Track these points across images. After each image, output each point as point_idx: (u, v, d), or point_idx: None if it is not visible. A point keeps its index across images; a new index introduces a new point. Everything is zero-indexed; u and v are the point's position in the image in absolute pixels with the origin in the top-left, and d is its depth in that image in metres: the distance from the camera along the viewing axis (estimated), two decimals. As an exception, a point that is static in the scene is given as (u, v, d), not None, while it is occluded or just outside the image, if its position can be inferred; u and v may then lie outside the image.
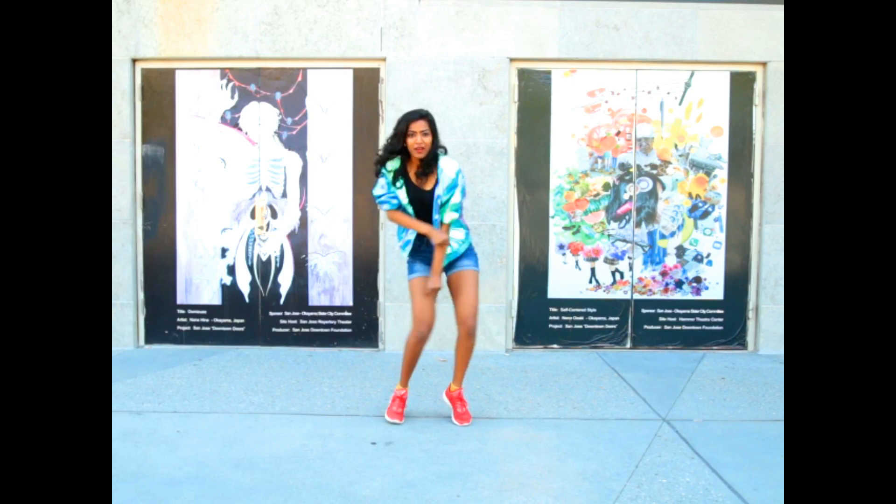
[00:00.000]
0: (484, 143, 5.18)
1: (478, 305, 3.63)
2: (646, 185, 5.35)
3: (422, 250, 3.62)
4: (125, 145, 5.21)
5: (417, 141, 3.44)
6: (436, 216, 3.57)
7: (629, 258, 5.38)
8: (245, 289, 5.35)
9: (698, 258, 5.39)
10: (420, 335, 3.55)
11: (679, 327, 5.41)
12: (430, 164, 3.51)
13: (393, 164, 3.56)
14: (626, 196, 5.35)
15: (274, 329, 5.37)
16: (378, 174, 3.61)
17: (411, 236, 3.63)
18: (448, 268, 3.65)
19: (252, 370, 4.69)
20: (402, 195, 3.57)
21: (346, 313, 5.36)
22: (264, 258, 5.35)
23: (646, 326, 5.41)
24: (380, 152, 3.64)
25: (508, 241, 5.28)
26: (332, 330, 5.36)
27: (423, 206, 3.56)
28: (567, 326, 5.38)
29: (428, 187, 3.54)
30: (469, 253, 3.68)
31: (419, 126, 3.45)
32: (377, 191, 3.62)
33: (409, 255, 3.66)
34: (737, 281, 5.39)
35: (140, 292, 5.36)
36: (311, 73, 5.27)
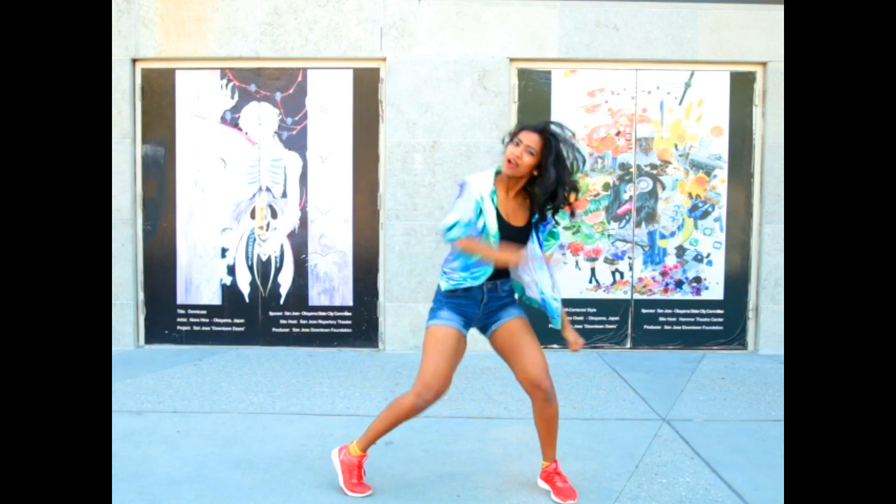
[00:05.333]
0: (484, 143, 5.17)
1: (544, 360, 2.74)
2: (646, 185, 5.35)
3: (458, 294, 2.73)
4: (125, 145, 5.21)
5: (514, 152, 2.58)
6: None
7: (629, 258, 5.38)
8: (245, 289, 5.35)
9: (698, 258, 5.38)
10: (423, 404, 2.67)
11: (679, 327, 5.41)
12: (533, 194, 2.65)
13: (487, 185, 2.65)
14: (626, 196, 5.35)
15: (274, 329, 5.37)
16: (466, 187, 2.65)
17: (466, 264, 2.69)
18: (486, 324, 2.80)
19: (252, 370, 4.69)
20: (491, 223, 2.62)
21: (346, 313, 5.36)
22: (264, 258, 5.35)
23: (646, 326, 5.41)
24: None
25: (508, 241, 5.28)
26: (332, 330, 5.36)
27: (507, 240, 2.65)
28: (567, 326, 5.38)
29: (516, 223, 2.68)
30: (513, 301, 2.82)
31: (528, 138, 2.59)
32: (459, 215, 2.60)
33: (441, 295, 2.76)
34: (737, 281, 5.39)
35: (140, 292, 5.36)
36: (311, 73, 5.27)
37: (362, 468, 2.83)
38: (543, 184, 2.60)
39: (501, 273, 2.72)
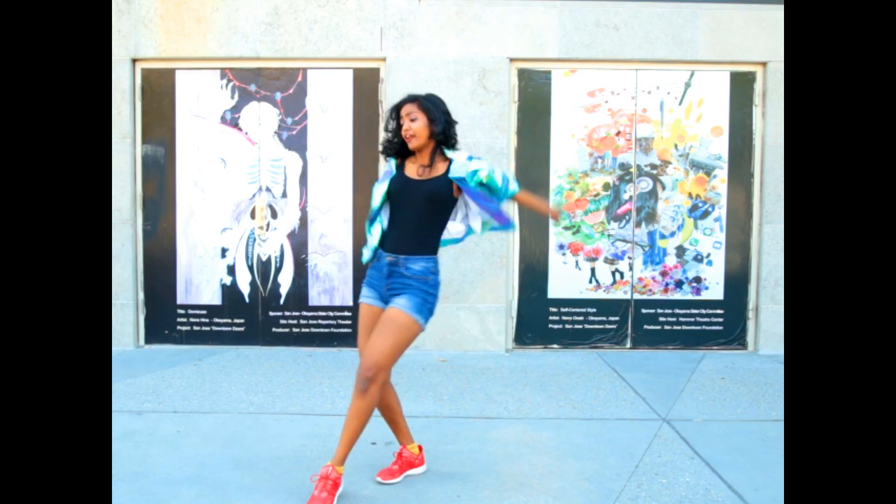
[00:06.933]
0: (484, 143, 5.18)
1: (385, 354, 2.59)
2: (646, 185, 5.35)
3: (371, 265, 2.84)
4: (125, 145, 5.21)
5: (404, 128, 2.77)
6: (473, 220, 2.80)
7: (629, 258, 5.38)
8: (245, 289, 5.35)
9: (698, 258, 5.38)
10: (358, 377, 2.63)
11: (679, 327, 5.41)
12: (432, 156, 2.78)
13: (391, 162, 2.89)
14: (626, 196, 5.35)
15: (274, 329, 5.37)
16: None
17: (375, 241, 2.81)
18: (388, 298, 2.76)
19: (252, 370, 4.69)
20: (380, 188, 2.81)
21: (346, 313, 5.36)
22: (264, 258, 5.35)
23: (646, 326, 5.41)
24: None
25: (508, 241, 5.28)
26: (332, 330, 5.36)
27: (415, 206, 2.74)
28: (567, 326, 5.38)
29: (426, 176, 2.77)
30: (417, 286, 2.69)
31: (405, 110, 2.78)
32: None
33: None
34: (737, 281, 5.39)
35: (140, 292, 5.36)
36: (311, 73, 5.27)
37: (332, 482, 2.67)
38: (438, 124, 2.75)
39: (408, 248, 2.72)
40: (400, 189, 2.76)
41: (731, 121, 5.33)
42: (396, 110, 2.81)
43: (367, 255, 2.83)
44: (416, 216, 2.74)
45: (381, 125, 5.21)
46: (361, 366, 2.62)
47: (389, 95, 5.17)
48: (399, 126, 2.80)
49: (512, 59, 5.22)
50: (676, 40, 5.21)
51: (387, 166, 2.90)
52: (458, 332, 5.27)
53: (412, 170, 2.81)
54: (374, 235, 2.80)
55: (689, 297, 5.40)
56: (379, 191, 2.81)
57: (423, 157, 2.81)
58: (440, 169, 2.76)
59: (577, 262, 5.36)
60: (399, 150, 2.85)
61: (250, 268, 5.36)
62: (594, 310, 5.39)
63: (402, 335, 2.64)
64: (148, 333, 5.39)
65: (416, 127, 2.74)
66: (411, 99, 2.80)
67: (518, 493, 2.81)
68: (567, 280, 5.37)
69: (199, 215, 5.33)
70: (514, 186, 2.82)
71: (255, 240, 5.34)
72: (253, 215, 5.33)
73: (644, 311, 5.40)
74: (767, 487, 2.88)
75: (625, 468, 3.07)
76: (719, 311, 5.42)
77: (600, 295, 5.38)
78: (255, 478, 2.94)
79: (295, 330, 5.38)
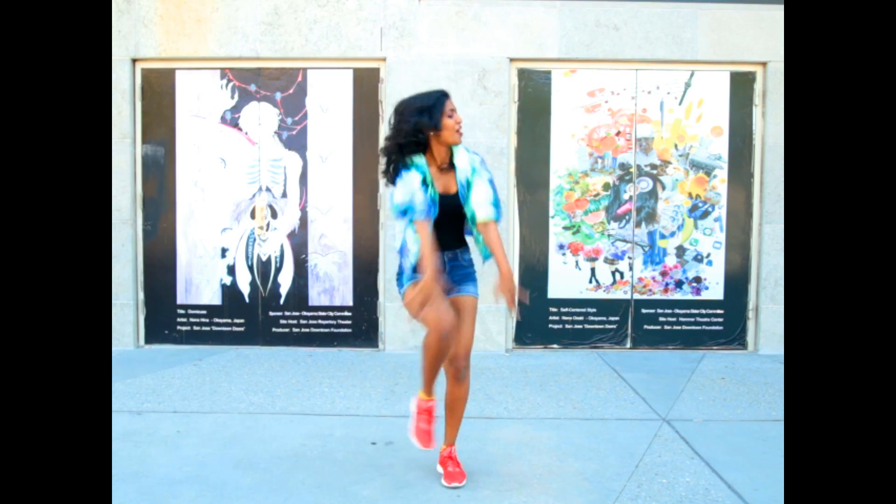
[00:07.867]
0: (484, 143, 5.17)
1: (472, 341, 2.89)
2: (646, 185, 5.35)
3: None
4: (125, 145, 5.21)
5: (459, 119, 2.76)
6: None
7: (629, 258, 5.38)
8: (245, 289, 5.35)
9: (698, 258, 5.38)
10: (439, 335, 2.73)
11: (679, 327, 5.41)
12: (450, 158, 2.83)
13: (420, 159, 2.75)
14: (626, 196, 5.35)
15: (274, 329, 5.37)
16: (394, 171, 2.77)
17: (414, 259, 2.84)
18: (449, 289, 2.86)
19: (252, 370, 4.69)
20: (418, 191, 2.73)
21: (346, 313, 5.36)
22: (264, 258, 5.35)
23: (646, 326, 5.40)
24: (393, 141, 2.79)
25: (508, 241, 5.28)
26: (332, 330, 5.36)
27: (454, 216, 2.82)
28: (567, 326, 5.38)
29: (453, 191, 2.81)
30: (472, 272, 2.96)
31: (453, 105, 2.80)
32: (403, 196, 2.69)
33: (410, 272, 2.87)
34: (737, 281, 5.39)
35: (140, 292, 5.36)
36: (311, 73, 5.27)
37: (432, 414, 2.98)
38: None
39: (459, 243, 2.90)
40: (442, 205, 2.76)
41: (731, 121, 5.33)
42: (445, 99, 2.75)
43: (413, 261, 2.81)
44: (451, 221, 2.83)
45: (382, 125, 5.21)
46: (458, 357, 2.84)
47: (389, 95, 5.17)
48: (442, 115, 2.72)
49: (512, 59, 5.22)
50: (676, 40, 5.22)
51: (407, 170, 2.75)
52: (458, 332, 5.27)
53: (439, 181, 2.79)
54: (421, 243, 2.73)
55: (689, 297, 5.40)
56: (420, 195, 2.69)
57: (440, 157, 2.80)
58: (451, 172, 2.83)
59: (577, 262, 5.37)
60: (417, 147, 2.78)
61: (250, 268, 5.36)
62: (594, 310, 5.39)
63: (475, 317, 2.93)
64: (148, 333, 5.39)
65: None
66: (448, 94, 2.82)
67: (518, 493, 2.82)
68: (567, 280, 5.37)
69: (199, 215, 5.33)
70: (496, 214, 2.83)
71: (255, 240, 5.34)
72: (253, 215, 5.33)
73: (644, 311, 5.40)
74: (767, 487, 2.89)
75: (625, 468, 3.08)
76: (719, 311, 5.42)
77: (600, 295, 5.38)
78: (255, 478, 2.94)
79: (295, 330, 5.38)
